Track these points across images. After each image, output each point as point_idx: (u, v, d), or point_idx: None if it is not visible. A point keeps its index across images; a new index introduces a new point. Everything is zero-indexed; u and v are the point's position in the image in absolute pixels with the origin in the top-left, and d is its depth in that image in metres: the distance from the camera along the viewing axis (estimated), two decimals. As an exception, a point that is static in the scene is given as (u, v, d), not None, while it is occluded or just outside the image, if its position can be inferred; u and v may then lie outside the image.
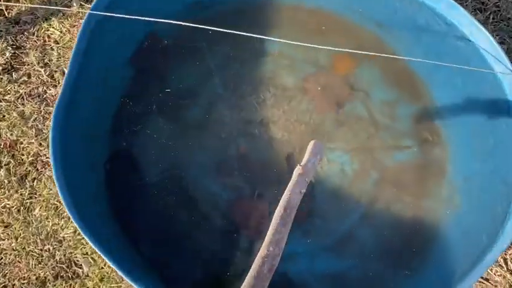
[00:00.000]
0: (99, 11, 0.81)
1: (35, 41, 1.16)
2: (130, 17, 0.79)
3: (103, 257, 0.73)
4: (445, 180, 0.94)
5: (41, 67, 1.13)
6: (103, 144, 0.91)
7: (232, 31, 0.92)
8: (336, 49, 0.99)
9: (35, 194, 1.02)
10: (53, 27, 1.17)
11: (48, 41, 1.16)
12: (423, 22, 0.92)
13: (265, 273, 0.69)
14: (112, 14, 0.80)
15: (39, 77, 1.12)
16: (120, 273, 0.72)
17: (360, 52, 0.94)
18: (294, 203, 0.77)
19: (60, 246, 0.98)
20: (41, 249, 0.98)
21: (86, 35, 0.79)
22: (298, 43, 1.02)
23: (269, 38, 1.04)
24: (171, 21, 0.83)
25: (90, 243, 0.73)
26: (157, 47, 1.00)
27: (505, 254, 1.03)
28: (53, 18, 1.17)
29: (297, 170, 0.78)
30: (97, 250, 0.72)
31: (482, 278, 1.02)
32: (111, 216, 0.89)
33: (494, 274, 1.02)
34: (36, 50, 1.15)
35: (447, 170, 0.95)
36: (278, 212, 0.75)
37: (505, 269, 1.02)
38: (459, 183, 0.92)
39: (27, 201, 1.01)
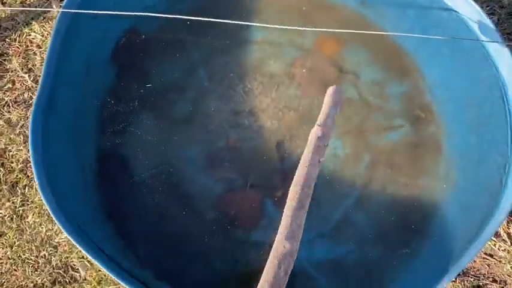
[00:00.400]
0: (72, 9, 0.79)
1: (17, 47, 1.14)
2: (103, 12, 0.77)
3: (94, 261, 0.72)
4: (441, 157, 0.92)
5: (25, 73, 1.11)
6: (89, 144, 0.90)
7: (212, 19, 0.90)
8: (320, 29, 0.97)
9: (27, 201, 1.01)
10: (34, 32, 1.15)
11: (31, 46, 1.15)
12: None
13: (281, 276, 0.56)
14: (84, 11, 0.79)
15: (23, 83, 1.10)
16: (114, 277, 0.71)
17: (344, 31, 0.91)
18: (312, 178, 0.62)
19: (56, 251, 0.97)
20: (37, 256, 0.97)
21: (60, 34, 0.77)
22: (281, 27, 1.00)
23: (251, 24, 1.03)
24: (147, 14, 0.82)
25: (81, 249, 0.71)
26: (137, 42, 0.98)
27: (508, 229, 1.01)
28: (34, 23, 1.16)
29: (315, 133, 0.62)
30: (88, 255, 0.71)
31: (486, 253, 1.00)
32: (102, 217, 0.88)
33: (498, 249, 1.00)
34: (19, 56, 1.13)
35: (443, 147, 0.92)
36: (294, 193, 0.60)
37: (509, 243, 1.00)
38: (455, 159, 0.90)
39: (19, 208, 1.00)
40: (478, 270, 1.00)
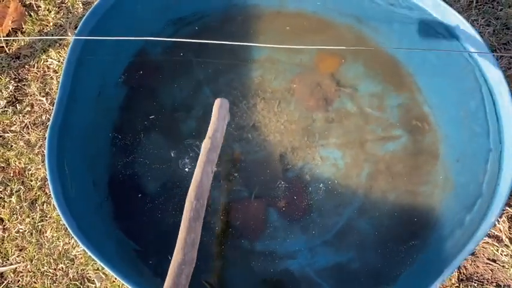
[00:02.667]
0: (83, 35, 0.86)
1: (36, 73, 1.22)
2: (113, 38, 0.84)
3: (110, 272, 0.76)
4: (438, 164, 0.95)
5: (43, 96, 1.18)
6: (102, 163, 0.95)
7: (216, 41, 0.96)
8: (319, 47, 1.02)
9: (46, 216, 1.07)
10: (51, 58, 1.23)
11: (48, 71, 1.22)
12: (400, 11, 0.94)
13: (183, 283, 0.61)
14: (96, 38, 0.85)
15: (41, 106, 1.18)
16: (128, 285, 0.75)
17: (340, 48, 0.96)
18: (206, 188, 0.66)
19: (73, 264, 1.03)
20: (55, 269, 1.03)
21: (72, 60, 0.83)
22: (284, 46, 1.05)
23: (253, 45, 1.09)
24: (153, 38, 0.88)
25: (97, 261, 0.76)
26: (146, 64, 1.04)
27: (511, 233, 1.03)
28: (51, 49, 1.24)
29: (205, 145, 0.67)
30: (104, 266, 0.75)
31: (489, 259, 1.02)
32: (116, 232, 0.93)
33: (501, 254, 1.02)
34: (37, 80, 1.21)
35: (440, 154, 0.96)
36: (189, 205, 0.65)
37: (511, 248, 1.01)
38: (452, 164, 0.93)
39: (38, 224, 1.06)
40: (481, 275, 1.01)
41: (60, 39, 1.22)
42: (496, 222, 1.03)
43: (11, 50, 1.26)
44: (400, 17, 0.93)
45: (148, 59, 1.05)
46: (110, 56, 0.96)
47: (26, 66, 1.23)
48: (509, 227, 1.02)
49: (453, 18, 0.85)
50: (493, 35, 1.20)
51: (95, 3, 0.90)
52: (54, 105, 0.78)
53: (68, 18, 1.28)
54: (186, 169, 0.98)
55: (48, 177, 0.78)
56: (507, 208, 1.04)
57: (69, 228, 0.74)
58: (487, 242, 1.02)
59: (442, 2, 0.84)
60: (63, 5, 1.30)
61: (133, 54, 1.03)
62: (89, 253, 0.74)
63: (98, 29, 0.90)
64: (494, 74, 0.81)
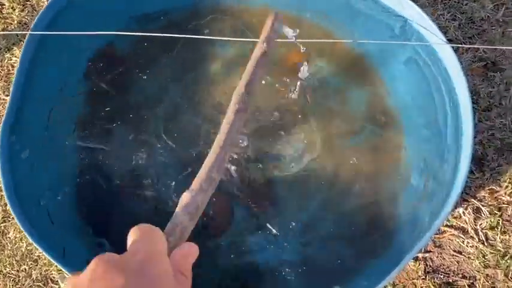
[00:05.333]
0: (40, 30, 0.84)
1: (-1, 72, 1.20)
2: (71, 33, 0.82)
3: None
4: (401, 157, 0.95)
5: (6, 95, 1.16)
6: (65, 159, 0.93)
7: (182, 35, 0.95)
8: (284, 40, 1.01)
9: (8, 217, 1.04)
10: (16, 57, 1.21)
11: (12, 70, 1.20)
12: (360, 6, 0.95)
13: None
14: (53, 33, 0.84)
15: (5, 106, 1.15)
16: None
17: (303, 41, 0.96)
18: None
19: (36, 265, 1.01)
20: (18, 270, 1.01)
21: (26, 57, 0.82)
22: (249, 40, 1.05)
23: (219, 39, 1.08)
24: (118, 33, 0.86)
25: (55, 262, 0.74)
26: (112, 60, 1.03)
27: (475, 225, 1.04)
28: (15, 48, 1.21)
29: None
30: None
31: (455, 251, 1.03)
32: (83, 230, 0.91)
33: (467, 246, 1.02)
34: (1, 79, 1.19)
35: (403, 147, 0.96)
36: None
37: (477, 239, 1.02)
38: (415, 157, 0.93)
39: (1, 225, 1.04)
40: (447, 267, 1.02)
41: (25, 37, 1.20)
42: (462, 214, 1.04)
43: (-27, 49, 1.24)
44: (359, 11, 0.93)
45: (113, 55, 1.03)
46: (70, 53, 0.94)
47: (-10, 65, 1.21)
48: (475, 219, 1.03)
49: (411, 10, 0.85)
50: (459, 29, 1.21)
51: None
52: (8, 103, 0.76)
53: (33, 16, 1.26)
54: (152, 163, 0.97)
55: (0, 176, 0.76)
56: (472, 200, 1.05)
57: (20, 226, 0.73)
58: (453, 234, 1.03)
59: (399, -6, 0.84)
60: (28, 2, 1.29)
61: (97, 50, 1.01)
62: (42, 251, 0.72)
63: (56, 24, 0.88)
64: (452, 65, 0.81)
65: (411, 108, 0.96)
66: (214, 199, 0.94)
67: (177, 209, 0.47)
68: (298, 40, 0.95)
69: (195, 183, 0.51)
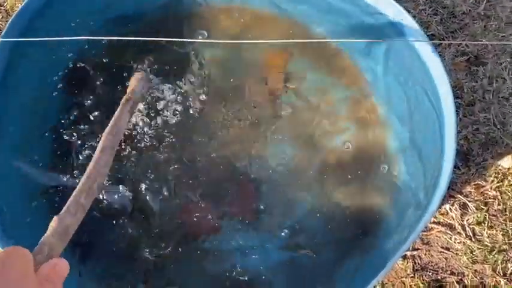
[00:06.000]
0: (13, 37, 0.81)
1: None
2: (45, 39, 0.80)
3: None
4: (386, 156, 0.94)
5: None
6: (41, 165, 0.91)
7: (160, 39, 0.93)
8: (262, 41, 1.00)
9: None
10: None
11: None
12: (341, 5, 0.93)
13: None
14: (27, 39, 0.81)
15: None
16: None
17: (283, 41, 0.95)
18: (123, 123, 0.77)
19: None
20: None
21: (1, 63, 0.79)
22: (230, 41, 1.03)
23: (198, 41, 1.06)
24: (90, 38, 0.84)
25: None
26: (87, 65, 1.00)
27: (462, 221, 1.03)
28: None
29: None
30: None
31: (443, 247, 1.02)
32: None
33: (454, 242, 1.02)
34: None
35: (388, 146, 0.95)
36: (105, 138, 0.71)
37: (464, 235, 1.02)
38: (399, 155, 0.92)
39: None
40: (436, 264, 1.01)
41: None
42: (449, 211, 1.04)
43: None
44: (338, 9, 0.91)
45: (89, 59, 1.01)
46: (45, 58, 0.92)
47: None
48: (461, 215, 1.03)
49: (391, 7, 0.84)
50: (441, 23, 1.21)
51: (24, 2, 0.85)
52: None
53: (7, 21, 1.22)
54: (129, 170, 0.95)
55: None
56: (459, 196, 1.05)
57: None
58: (441, 231, 1.03)
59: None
60: (2, 8, 1.25)
61: (72, 54, 0.98)
62: None
63: (29, 29, 0.86)
64: (433, 62, 0.80)
65: (395, 104, 0.95)
66: (197, 205, 0.93)
67: (47, 232, 0.53)
68: (280, 41, 0.94)
69: (64, 208, 0.58)
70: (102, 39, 0.99)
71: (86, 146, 0.94)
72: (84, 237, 0.90)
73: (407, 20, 0.83)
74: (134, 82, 0.87)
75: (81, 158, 0.94)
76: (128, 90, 0.86)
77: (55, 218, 0.55)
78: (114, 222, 0.91)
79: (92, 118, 0.96)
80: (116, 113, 0.78)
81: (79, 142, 0.95)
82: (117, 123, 0.76)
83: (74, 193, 0.61)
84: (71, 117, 0.97)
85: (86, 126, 0.96)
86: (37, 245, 0.50)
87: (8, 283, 0.35)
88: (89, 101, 0.99)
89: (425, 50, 0.82)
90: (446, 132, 0.78)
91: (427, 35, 1.12)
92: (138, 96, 0.85)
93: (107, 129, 0.74)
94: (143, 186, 0.93)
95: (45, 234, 0.52)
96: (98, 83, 1.01)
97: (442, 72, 0.79)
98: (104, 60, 1.01)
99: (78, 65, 1.00)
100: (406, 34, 0.84)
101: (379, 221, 0.88)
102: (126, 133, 0.95)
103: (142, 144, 0.96)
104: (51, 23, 0.90)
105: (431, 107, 0.84)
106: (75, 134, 0.95)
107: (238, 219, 0.94)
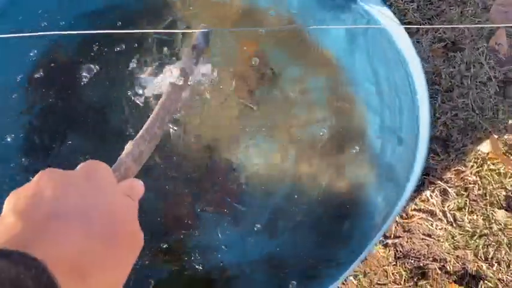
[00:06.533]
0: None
1: None
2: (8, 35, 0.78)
3: None
4: (363, 143, 0.94)
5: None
6: (13, 166, 0.89)
7: (135, 31, 0.92)
8: (234, 29, 0.99)
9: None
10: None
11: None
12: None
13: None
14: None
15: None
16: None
17: (254, 28, 0.94)
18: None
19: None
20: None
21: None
22: (201, 30, 1.02)
23: (173, 32, 1.05)
24: (59, 33, 0.82)
25: None
26: (60, 61, 0.98)
27: (443, 207, 1.03)
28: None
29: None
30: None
31: (424, 234, 1.02)
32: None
33: (436, 228, 1.02)
34: None
35: (365, 134, 0.94)
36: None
37: (445, 221, 1.02)
38: (378, 143, 0.92)
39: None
40: (418, 251, 1.01)
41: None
42: (430, 197, 1.03)
43: None
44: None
45: (61, 55, 0.99)
46: (13, 57, 0.90)
47: None
48: (442, 201, 1.03)
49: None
50: (417, 10, 1.20)
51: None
52: None
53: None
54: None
55: None
56: (439, 182, 1.04)
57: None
58: (422, 218, 1.03)
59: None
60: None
61: (43, 51, 0.96)
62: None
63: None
64: (405, 46, 0.80)
65: (371, 91, 0.95)
66: (176, 199, 0.92)
67: (122, 154, 0.54)
68: (245, 28, 0.92)
69: (139, 134, 0.59)
70: (73, 35, 0.98)
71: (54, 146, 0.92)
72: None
73: (380, 6, 0.82)
74: (199, 34, 0.87)
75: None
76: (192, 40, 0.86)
77: (130, 142, 0.56)
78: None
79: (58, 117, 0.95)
80: (183, 58, 0.82)
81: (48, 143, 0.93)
82: (186, 66, 0.80)
83: (148, 121, 0.62)
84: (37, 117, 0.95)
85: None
86: (114, 164, 0.50)
87: (99, 188, 0.34)
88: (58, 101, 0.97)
89: (398, 35, 0.82)
90: (421, 120, 0.78)
91: (404, 22, 1.12)
92: (201, 47, 0.85)
93: (176, 73, 0.78)
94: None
95: (121, 155, 0.53)
96: (72, 76, 0.99)
97: (414, 56, 0.78)
98: (78, 54, 0.99)
99: (45, 66, 0.99)
100: (380, 21, 0.84)
101: (360, 207, 0.88)
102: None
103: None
104: (15, 22, 0.89)
105: (408, 92, 0.84)
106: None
107: (216, 212, 0.93)
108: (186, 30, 1.03)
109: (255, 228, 0.92)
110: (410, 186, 0.70)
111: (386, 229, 0.72)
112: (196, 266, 0.90)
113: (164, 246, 0.91)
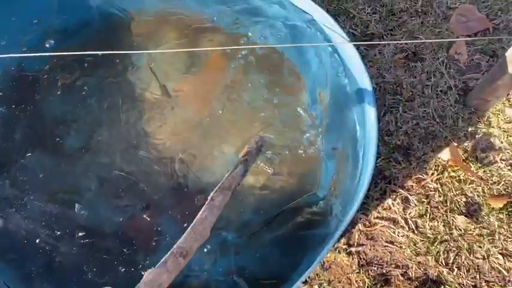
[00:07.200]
0: None
1: None
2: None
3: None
4: (319, 156, 0.96)
5: None
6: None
7: (101, 52, 0.94)
8: (207, 49, 1.01)
9: None
10: None
11: None
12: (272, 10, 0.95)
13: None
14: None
15: None
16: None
17: (224, 48, 0.96)
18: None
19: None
20: None
21: None
22: (171, 50, 1.04)
23: (139, 52, 1.07)
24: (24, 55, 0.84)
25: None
26: (25, 80, 1.00)
27: (405, 214, 1.06)
28: None
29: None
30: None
31: (387, 241, 1.05)
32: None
33: (398, 235, 1.04)
34: None
35: (318, 144, 0.97)
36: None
37: (407, 228, 1.04)
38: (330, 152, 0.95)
39: None
40: (381, 258, 1.04)
41: None
42: (391, 205, 1.06)
43: None
44: (267, 13, 0.93)
45: (27, 74, 1.01)
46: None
47: None
48: (404, 209, 1.05)
49: (316, 13, 0.86)
50: (380, 22, 1.23)
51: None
52: None
53: None
54: (73, 185, 0.95)
55: None
56: (400, 190, 1.07)
57: None
58: (384, 225, 1.05)
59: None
60: None
61: (7, 70, 0.98)
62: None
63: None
64: (355, 62, 0.82)
65: (329, 105, 0.98)
66: (141, 217, 0.94)
67: (140, 284, 0.49)
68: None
69: (162, 261, 0.54)
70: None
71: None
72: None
73: (330, 23, 0.85)
74: (253, 144, 0.88)
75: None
76: (244, 151, 0.86)
77: (150, 271, 0.52)
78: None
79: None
80: (231, 173, 0.77)
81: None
82: (230, 184, 0.74)
83: (175, 249, 0.58)
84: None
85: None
86: None
87: None
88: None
89: (347, 50, 0.85)
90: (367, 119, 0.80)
91: (367, 34, 1.15)
92: (252, 157, 0.84)
93: (217, 189, 0.72)
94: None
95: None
96: (37, 94, 1.01)
97: (362, 68, 0.81)
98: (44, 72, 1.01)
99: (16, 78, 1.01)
100: (330, 37, 0.86)
101: (310, 220, 0.91)
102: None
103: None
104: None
105: (354, 101, 0.87)
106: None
107: (183, 227, 0.95)
108: (190, 49, 1.06)
109: (223, 243, 0.93)
110: (359, 198, 0.72)
111: (340, 233, 0.74)
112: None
113: (129, 262, 0.92)
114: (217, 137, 1.01)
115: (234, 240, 0.94)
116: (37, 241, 0.91)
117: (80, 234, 0.93)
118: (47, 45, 1.03)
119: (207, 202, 0.71)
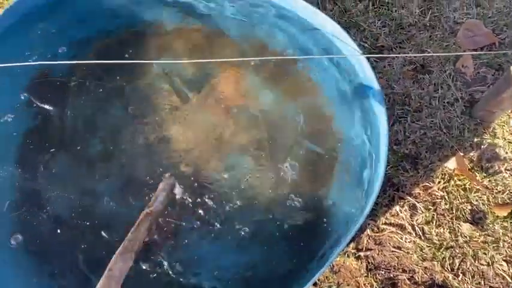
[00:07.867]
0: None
1: None
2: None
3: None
4: (336, 165, 1.00)
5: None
6: (5, 189, 0.95)
7: (119, 61, 0.98)
8: (222, 59, 1.06)
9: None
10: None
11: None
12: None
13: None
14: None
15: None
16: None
17: (238, 59, 1.00)
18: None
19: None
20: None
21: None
22: (185, 61, 1.09)
23: (157, 62, 1.12)
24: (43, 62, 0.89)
25: None
26: (50, 86, 1.05)
27: (412, 221, 1.09)
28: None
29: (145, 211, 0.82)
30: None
31: (394, 247, 1.08)
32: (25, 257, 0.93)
33: (405, 241, 1.08)
34: None
35: (338, 156, 1.01)
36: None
37: (414, 234, 1.08)
38: (348, 165, 0.98)
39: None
40: (388, 263, 1.07)
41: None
42: (399, 212, 1.10)
43: None
44: (279, 24, 0.98)
45: (51, 82, 1.06)
46: (4, 83, 0.97)
47: None
48: (411, 215, 1.09)
49: (328, 25, 0.90)
50: (389, 35, 1.28)
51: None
52: None
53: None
54: (96, 188, 0.99)
55: None
56: (408, 197, 1.11)
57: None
58: (392, 231, 1.09)
59: (312, 7, 0.89)
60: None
61: (32, 77, 1.03)
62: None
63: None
64: (368, 74, 0.87)
65: (343, 112, 1.02)
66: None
67: None
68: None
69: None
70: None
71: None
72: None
73: (342, 36, 0.89)
74: (160, 190, 0.90)
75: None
76: (151, 201, 0.88)
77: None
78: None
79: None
80: (133, 229, 0.79)
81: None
82: (132, 246, 0.76)
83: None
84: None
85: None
86: None
87: None
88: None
89: (360, 64, 0.89)
90: (380, 144, 0.84)
91: (376, 46, 1.20)
92: (158, 210, 0.87)
93: (120, 249, 0.75)
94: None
95: None
96: (61, 102, 1.06)
97: (373, 79, 0.85)
98: (67, 80, 1.06)
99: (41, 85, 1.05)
100: (342, 50, 0.91)
101: (326, 223, 0.94)
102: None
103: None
104: (11, 49, 0.96)
105: (370, 109, 0.91)
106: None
107: (195, 234, 0.99)
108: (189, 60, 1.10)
109: (229, 248, 0.97)
110: (369, 205, 0.76)
111: (350, 238, 0.78)
112: (176, 284, 0.95)
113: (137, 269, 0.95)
114: (228, 145, 1.05)
115: (244, 239, 0.97)
116: (62, 237, 0.95)
117: (103, 232, 0.97)
118: (70, 55, 1.08)
119: (105, 272, 0.71)
